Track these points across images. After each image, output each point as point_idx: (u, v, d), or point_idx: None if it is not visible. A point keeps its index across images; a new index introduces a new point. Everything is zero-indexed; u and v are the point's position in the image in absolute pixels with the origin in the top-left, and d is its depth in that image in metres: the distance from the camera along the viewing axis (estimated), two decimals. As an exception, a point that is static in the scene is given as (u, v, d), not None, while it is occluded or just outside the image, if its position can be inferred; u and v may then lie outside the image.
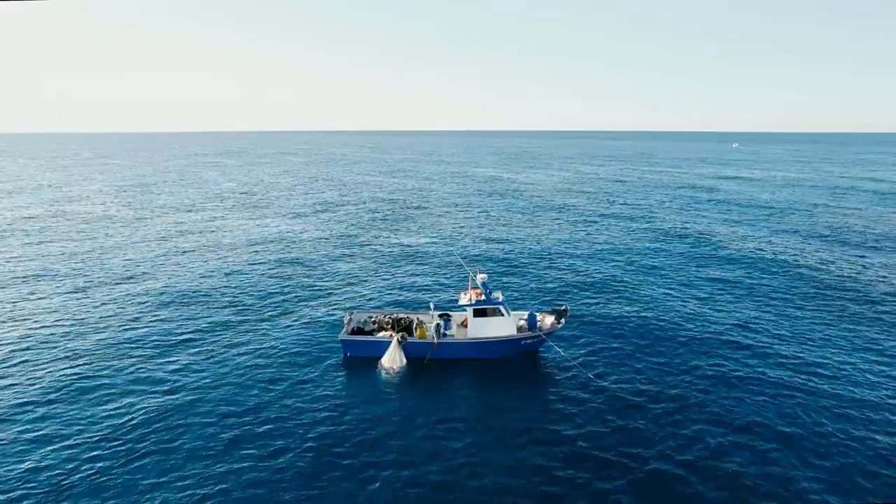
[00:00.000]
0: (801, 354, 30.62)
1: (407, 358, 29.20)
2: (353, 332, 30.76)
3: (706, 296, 40.99)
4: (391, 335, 29.94)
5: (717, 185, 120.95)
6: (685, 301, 39.81)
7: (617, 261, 51.65)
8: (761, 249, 56.38)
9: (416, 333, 30.16)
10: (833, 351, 31.10)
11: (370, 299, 40.04)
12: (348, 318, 31.66)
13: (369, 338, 30.20)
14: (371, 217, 76.27)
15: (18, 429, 22.97)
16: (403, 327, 30.83)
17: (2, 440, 22.19)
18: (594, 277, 46.04)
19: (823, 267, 49.39)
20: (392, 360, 28.84)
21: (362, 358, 29.53)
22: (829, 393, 26.25)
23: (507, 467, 20.62)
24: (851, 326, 34.80)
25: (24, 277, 44.69)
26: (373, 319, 31.82)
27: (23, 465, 20.56)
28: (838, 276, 46.44)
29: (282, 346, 31.41)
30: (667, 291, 42.08)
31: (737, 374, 28.16)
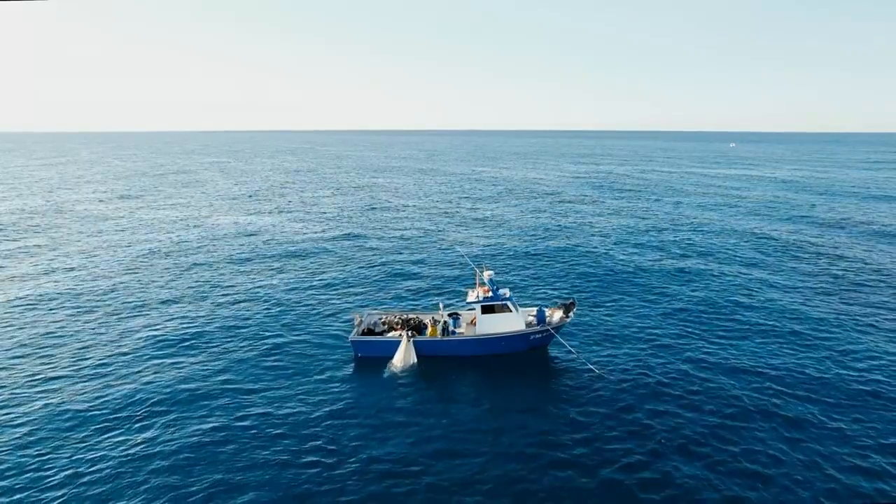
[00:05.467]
0: (816, 351, 31.09)
1: (416, 356, 29.52)
2: (364, 333, 31.04)
3: (718, 291, 41.41)
4: (401, 334, 30.29)
5: (721, 183, 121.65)
6: (696, 295, 40.25)
7: (628, 255, 52.07)
8: (776, 244, 56.91)
9: (428, 332, 30.52)
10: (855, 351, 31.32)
11: (380, 300, 40.40)
12: (359, 318, 32.00)
13: (379, 338, 30.45)
14: (378, 217, 76.64)
15: (23, 416, 23.47)
16: (413, 327, 31.19)
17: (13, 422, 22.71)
18: (604, 273, 46.49)
19: (844, 262, 49.96)
20: (402, 358, 29.16)
21: (373, 358, 29.79)
22: (846, 387, 26.66)
23: (516, 463, 20.92)
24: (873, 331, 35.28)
25: (27, 271, 44.99)
26: (383, 320, 32.13)
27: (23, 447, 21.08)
28: (864, 271, 47.02)
29: (292, 348, 31.73)
30: (677, 286, 42.52)
31: (747, 369, 28.52)
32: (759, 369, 28.44)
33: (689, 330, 33.86)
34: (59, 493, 19.36)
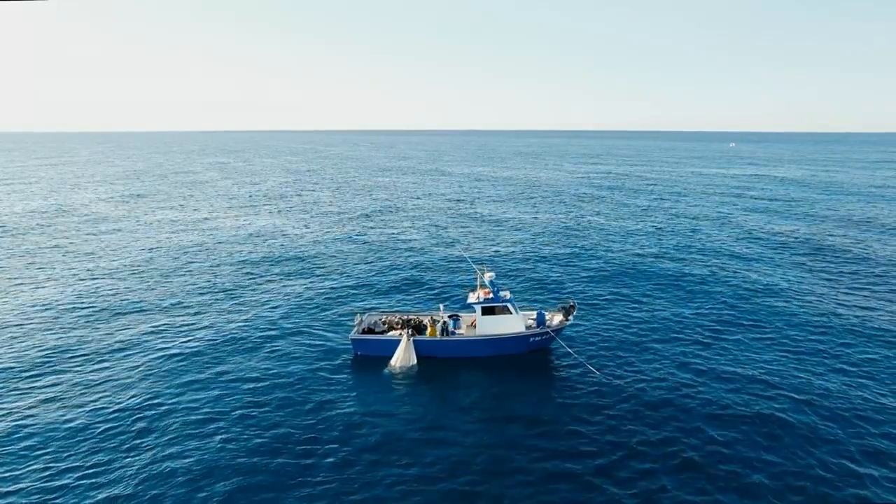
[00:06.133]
0: (810, 355, 31.11)
1: (416, 356, 29.58)
2: (364, 332, 31.12)
3: (717, 294, 41.44)
4: (401, 334, 30.37)
5: (721, 182, 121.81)
6: (695, 298, 40.28)
7: (628, 257, 52.10)
8: (775, 244, 57.00)
9: (428, 332, 30.60)
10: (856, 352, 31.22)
11: (380, 300, 40.44)
12: (360, 318, 32.12)
13: (378, 336, 30.60)
14: (380, 218, 76.73)
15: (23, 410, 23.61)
16: (413, 327, 31.25)
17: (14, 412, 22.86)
18: (604, 275, 46.51)
19: (843, 262, 50.07)
20: (401, 358, 29.22)
21: (372, 357, 29.97)
22: (841, 391, 26.65)
23: (513, 466, 20.88)
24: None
25: (27, 272, 45.06)
26: (383, 320, 32.24)
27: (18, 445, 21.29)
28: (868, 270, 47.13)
29: (291, 344, 31.86)
30: (676, 289, 42.50)
31: (743, 373, 28.50)
32: (756, 373, 28.32)
33: (687, 332, 33.87)
34: (55, 485, 19.58)
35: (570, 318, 31.37)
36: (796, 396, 25.81)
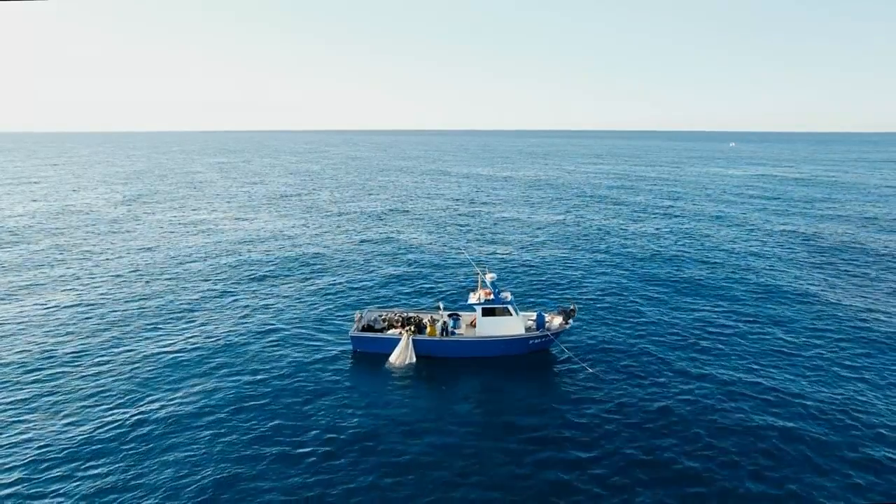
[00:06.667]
0: (802, 360, 31.09)
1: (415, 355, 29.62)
2: (364, 330, 31.24)
3: (719, 297, 41.47)
4: (401, 332, 30.44)
5: (721, 182, 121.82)
6: (696, 302, 40.31)
7: (628, 258, 52.18)
8: (773, 245, 57.02)
9: (427, 331, 30.64)
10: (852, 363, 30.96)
11: (381, 298, 40.49)
12: (360, 315, 32.21)
13: (378, 334, 30.71)
14: (382, 219, 76.75)
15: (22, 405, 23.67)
16: (413, 325, 31.30)
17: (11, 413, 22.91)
18: (604, 276, 46.55)
19: (841, 262, 50.06)
20: (400, 356, 29.32)
21: (371, 354, 30.13)
22: (836, 396, 26.69)
23: (510, 466, 20.88)
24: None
25: (27, 274, 45.11)
26: (383, 318, 32.31)
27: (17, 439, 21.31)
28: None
29: (292, 341, 32.00)
30: (678, 293, 42.46)
31: (739, 378, 28.42)
32: (754, 377, 28.23)
33: (685, 335, 33.85)
34: (49, 477, 19.84)
35: (570, 321, 31.33)
36: (793, 400, 25.82)
